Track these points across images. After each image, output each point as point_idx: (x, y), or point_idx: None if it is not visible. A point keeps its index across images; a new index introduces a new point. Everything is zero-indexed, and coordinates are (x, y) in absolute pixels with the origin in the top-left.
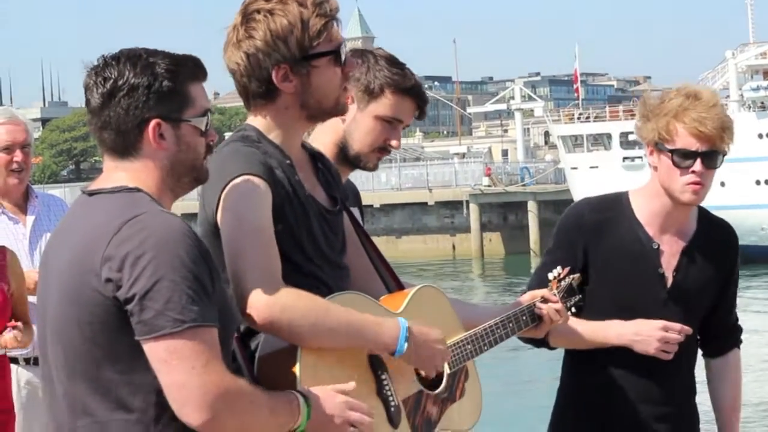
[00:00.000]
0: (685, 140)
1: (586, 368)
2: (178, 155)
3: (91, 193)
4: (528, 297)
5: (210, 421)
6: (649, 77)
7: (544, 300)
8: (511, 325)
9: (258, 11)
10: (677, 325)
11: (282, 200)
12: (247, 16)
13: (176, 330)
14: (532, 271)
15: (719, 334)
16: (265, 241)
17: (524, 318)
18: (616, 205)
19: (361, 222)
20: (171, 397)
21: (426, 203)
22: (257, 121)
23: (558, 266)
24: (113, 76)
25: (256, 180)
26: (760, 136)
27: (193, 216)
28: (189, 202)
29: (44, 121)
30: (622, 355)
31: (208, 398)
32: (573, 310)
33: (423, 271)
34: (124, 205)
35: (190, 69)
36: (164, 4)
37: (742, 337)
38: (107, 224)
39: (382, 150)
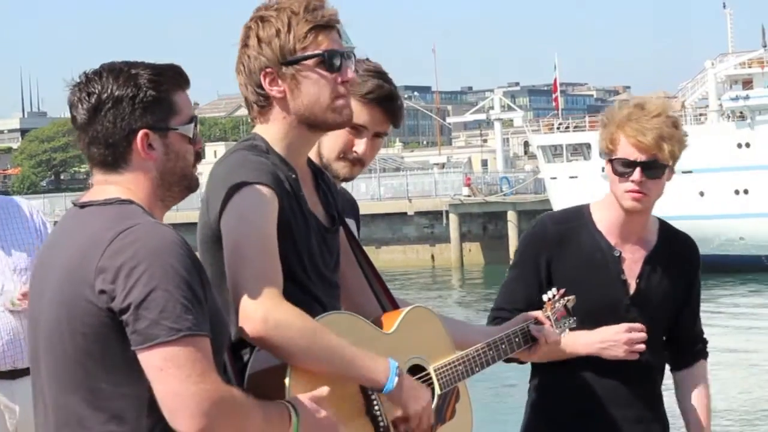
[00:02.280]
0: (625, 150)
1: (554, 376)
2: (167, 164)
3: (83, 206)
4: (521, 318)
5: (204, 430)
6: (629, 87)
7: (537, 322)
8: (503, 346)
9: (254, 19)
10: (639, 325)
11: (287, 213)
12: (246, 27)
13: (171, 338)
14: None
15: (684, 346)
16: (269, 251)
17: (517, 339)
18: (577, 217)
19: (357, 234)
20: (165, 405)
21: (406, 213)
22: (263, 130)
23: (553, 288)
24: (97, 90)
25: (265, 189)
26: (739, 145)
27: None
28: (188, 213)
29: (23, 132)
30: (589, 360)
31: (202, 407)
32: (567, 332)
33: (403, 282)
34: (117, 217)
35: (172, 77)
36: (146, 14)
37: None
38: (100, 236)
39: (349, 160)
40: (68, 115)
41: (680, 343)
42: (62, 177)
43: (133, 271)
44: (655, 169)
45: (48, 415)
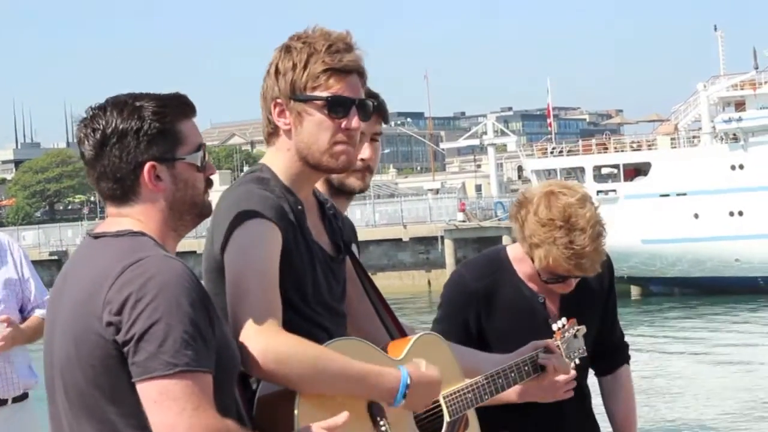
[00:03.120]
0: None
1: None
2: (176, 194)
3: (96, 236)
4: (530, 347)
5: None
6: (621, 110)
7: (548, 350)
8: (512, 374)
9: (282, 48)
10: (567, 368)
11: (291, 246)
12: (275, 52)
13: (168, 372)
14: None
15: (606, 352)
16: (269, 286)
17: (526, 368)
18: (497, 267)
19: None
20: None
21: (401, 239)
22: (271, 160)
23: (563, 318)
24: (101, 125)
25: (268, 224)
26: (733, 167)
27: (188, 254)
28: (185, 241)
29: (17, 163)
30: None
31: None
32: (577, 361)
33: (400, 307)
34: (128, 249)
35: (177, 107)
36: (140, 44)
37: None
38: (110, 268)
39: (358, 170)
40: (61, 145)
41: (602, 351)
42: (56, 207)
43: (138, 304)
44: None
45: None
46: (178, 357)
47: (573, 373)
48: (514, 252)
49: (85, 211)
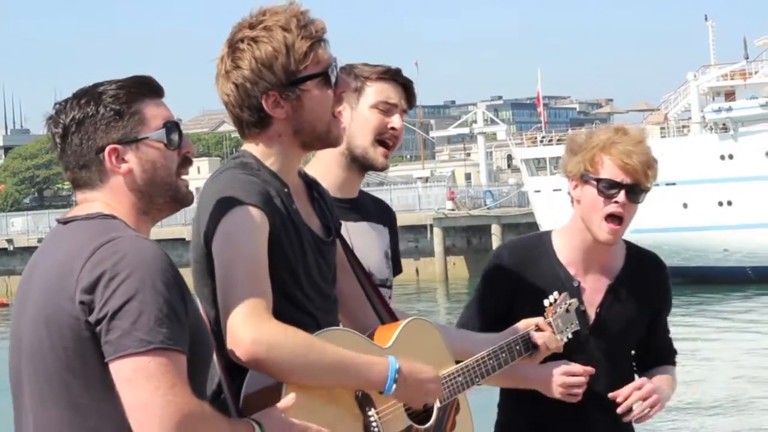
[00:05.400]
0: (611, 171)
1: (516, 404)
2: (143, 175)
3: (66, 221)
4: (522, 325)
5: None
6: (611, 100)
7: (538, 328)
8: (504, 355)
9: (242, 40)
10: (579, 368)
11: (279, 230)
12: (233, 46)
13: (141, 349)
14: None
15: (653, 359)
16: (258, 274)
17: (518, 347)
18: (536, 246)
19: (395, 242)
20: (133, 417)
21: None
22: (254, 148)
23: (555, 293)
24: (62, 118)
25: (254, 211)
26: (722, 157)
27: (176, 241)
28: (172, 228)
29: (6, 149)
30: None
31: (171, 420)
32: (569, 336)
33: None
34: (99, 230)
35: (136, 88)
36: (130, 31)
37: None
38: (82, 249)
39: (384, 144)
40: None
41: (649, 358)
42: (46, 194)
43: (111, 282)
44: (636, 193)
45: (29, 428)
46: (152, 334)
47: (590, 369)
48: (558, 235)
49: (75, 197)
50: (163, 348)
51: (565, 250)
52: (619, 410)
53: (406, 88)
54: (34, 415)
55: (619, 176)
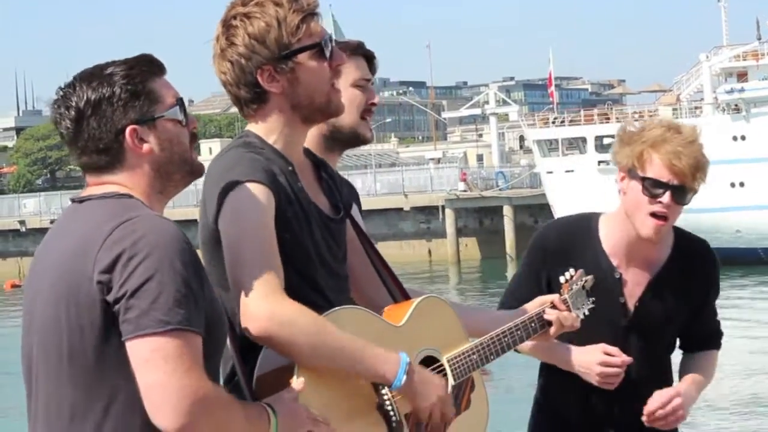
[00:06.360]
0: (658, 170)
1: (559, 377)
2: (163, 154)
3: (81, 200)
4: (537, 303)
5: (186, 426)
6: (624, 80)
7: (553, 306)
8: (519, 332)
9: (235, 17)
10: (617, 360)
11: (285, 207)
12: (226, 25)
13: (160, 330)
14: (508, 274)
15: (696, 341)
16: (267, 251)
17: (533, 325)
18: (582, 231)
19: (361, 220)
20: (148, 398)
21: (402, 209)
22: (256, 127)
23: (570, 269)
24: (74, 101)
25: (259, 187)
26: (735, 138)
27: (189, 222)
28: (184, 209)
29: (19, 130)
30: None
31: (186, 402)
32: (586, 313)
33: (400, 276)
34: (116, 209)
35: (145, 67)
36: (140, 13)
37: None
38: (99, 228)
39: (368, 112)
40: None
41: (692, 340)
42: (58, 175)
43: (131, 261)
44: (683, 195)
45: (39, 412)
46: (171, 315)
47: (627, 359)
48: (605, 222)
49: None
50: (181, 329)
51: (610, 240)
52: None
53: (370, 60)
54: (46, 395)
55: (666, 176)
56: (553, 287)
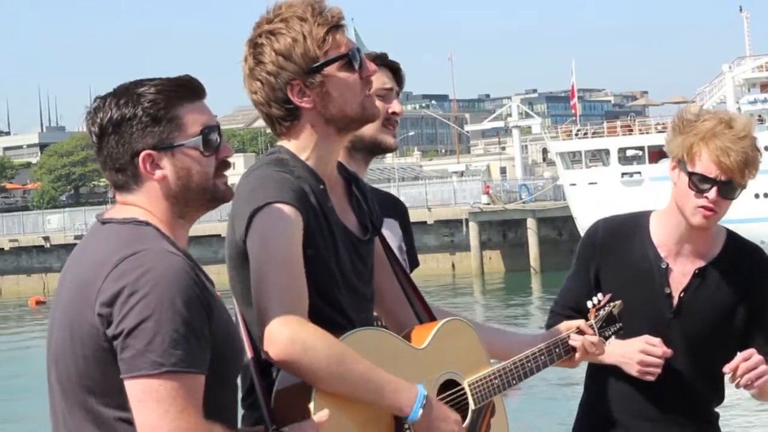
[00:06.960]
0: (705, 166)
1: (602, 378)
2: (179, 182)
3: (104, 222)
4: (564, 327)
5: None
6: (647, 92)
7: (580, 331)
8: (543, 357)
9: (261, 35)
10: (657, 350)
11: (313, 227)
12: (253, 44)
13: (153, 372)
14: (532, 287)
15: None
16: (293, 273)
17: (557, 350)
18: (632, 225)
19: (410, 235)
20: None
21: (425, 222)
22: (289, 144)
23: (599, 294)
24: (99, 117)
25: (287, 208)
26: None
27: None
28: (205, 225)
29: (42, 147)
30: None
31: None
32: (613, 339)
33: (424, 290)
34: (129, 239)
35: (176, 92)
36: (164, 29)
37: None
38: (108, 258)
39: (391, 124)
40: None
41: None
42: (81, 191)
43: (130, 298)
44: (732, 190)
45: (59, 426)
46: (165, 357)
47: (668, 351)
48: (656, 216)
49: (111, 194)
50: (175, 371)
51: (660, 232)
52: (728, 379)
53: (395, 71)
54: (63, 417)
55: (713, 172)
56: (600, 281)
